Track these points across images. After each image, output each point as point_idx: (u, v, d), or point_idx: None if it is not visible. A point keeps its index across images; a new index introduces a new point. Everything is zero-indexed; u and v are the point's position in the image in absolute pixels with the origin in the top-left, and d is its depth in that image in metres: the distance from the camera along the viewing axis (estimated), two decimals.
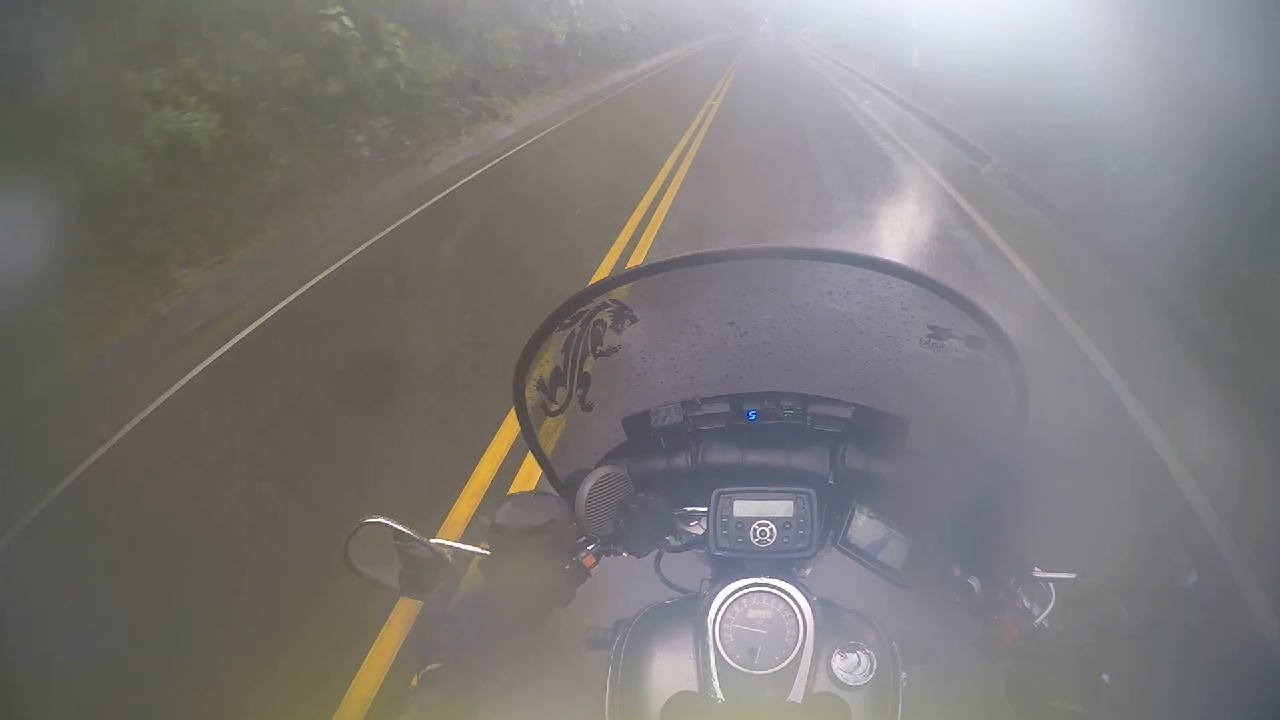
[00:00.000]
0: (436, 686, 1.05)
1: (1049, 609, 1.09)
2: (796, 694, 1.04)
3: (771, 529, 1.18)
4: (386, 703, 2.41)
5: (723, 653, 1.06)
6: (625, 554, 1.25)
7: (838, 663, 1.07)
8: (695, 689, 1.07)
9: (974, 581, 1.14)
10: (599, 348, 1.25)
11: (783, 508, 1.19)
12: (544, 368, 1.23)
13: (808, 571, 1.31)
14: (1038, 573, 1.13)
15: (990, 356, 1.12)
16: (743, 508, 1.19)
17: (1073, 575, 1.08)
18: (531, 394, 1.24)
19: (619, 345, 1.26)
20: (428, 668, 1.08)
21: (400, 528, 1.14)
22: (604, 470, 1.22)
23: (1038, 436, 1.25)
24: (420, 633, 1.16)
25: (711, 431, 1.29)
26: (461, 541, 1.22)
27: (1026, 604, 1.11)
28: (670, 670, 1.10)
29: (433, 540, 1.17)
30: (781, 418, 1.29)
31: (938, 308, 1.12)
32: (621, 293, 1.21)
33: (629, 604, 1.23)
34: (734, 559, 1.19)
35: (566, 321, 1.19)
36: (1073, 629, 1.05)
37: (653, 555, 1.32)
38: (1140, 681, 1.06)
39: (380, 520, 1.13)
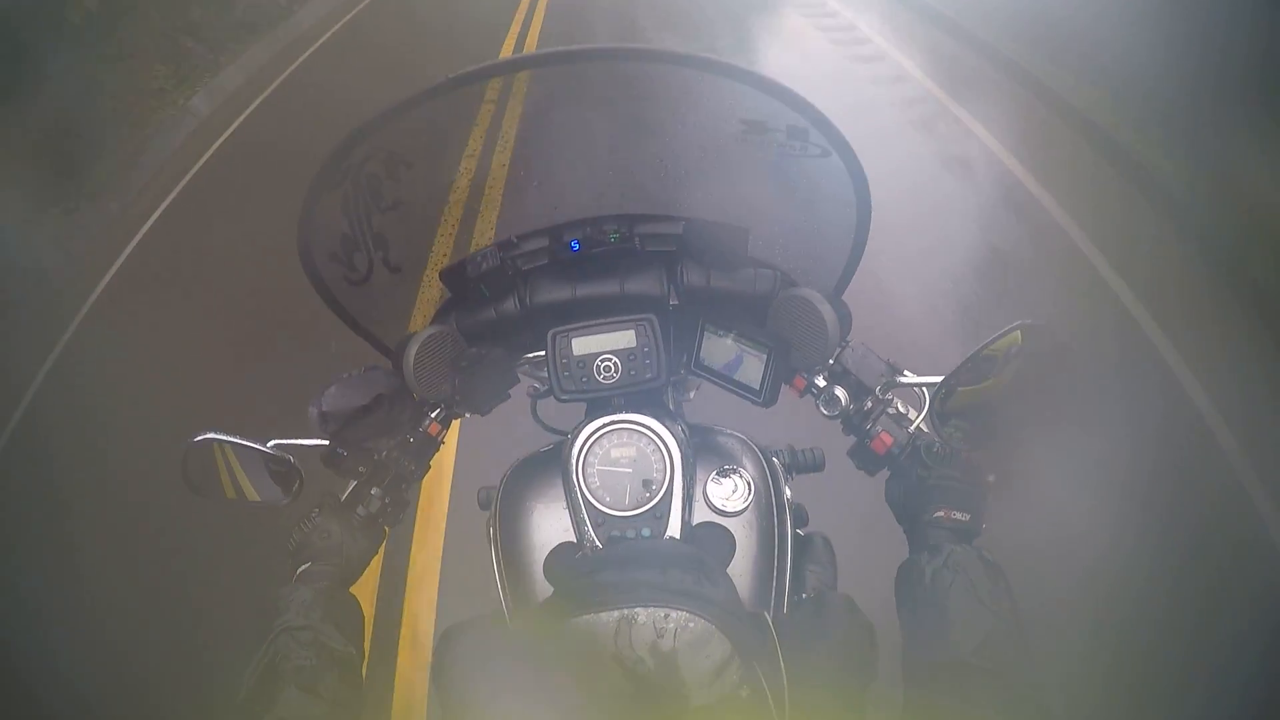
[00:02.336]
0: (312, 585, 1.00)
1: (922, 415, 1.06)
2: (674, 529, 1.02)
3: (616, 363, 1.12)
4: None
5: (590, 498, 1.03)
6: (470, 415, 1.18)
7: (713, 490, 1.05)
8: (575, 538, 1.04)
9: (839, 392, 1.10)
10: (381, 203, 1.11)
11: (624, 339, 1.12)
12: (331, 238, 1.09)
13: (691, 395, 1.27)
14: (907, 377, 1.09)
15: (817, 146, 1.02)
16: (582, 345, 1.12)
17: (939, 377, 1.03)
18: (329, 268, 1.11)
19: (402, 197, 1.12)
20: (300, 569, 1.04)
21: (233, 439, 1.06)
22: (429, 331, 1.13)
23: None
24: (287, 536, 1.08)
25: (536, 270, 1.19)
26: (300, 438, 1.13)
27: (902, 411, 1.08)
28: (548, 522, 1.08)
29: (271, 444, 1.09)
30: (609, 243, 1.18)
31: (750, 100, 0.99)
32: (401, 136, 1.04)
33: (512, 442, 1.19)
34: (593, 399, 1.13)
35: (335, 180, 1.03)
36: (948, 433, 1.02)
37: (530, 401, 1.27)
38: (1024, 484, 1.03)
39: (211, 436, 1.06)
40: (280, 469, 1.10)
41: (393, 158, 1.06)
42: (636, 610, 0.79)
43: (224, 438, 1.06)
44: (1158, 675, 1.99)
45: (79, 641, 2.27)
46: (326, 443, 1.10)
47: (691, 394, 1.29)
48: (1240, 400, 2.91)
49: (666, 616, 0.79)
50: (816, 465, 1.21)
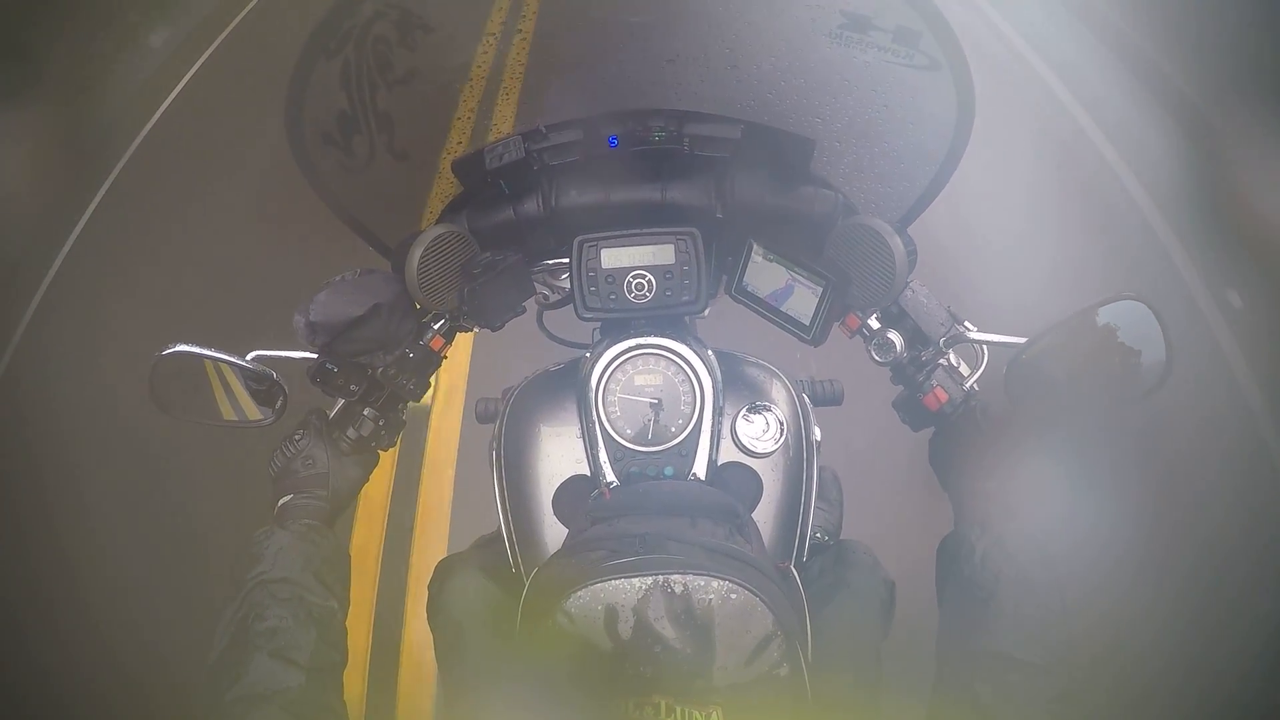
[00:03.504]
0: (294, 520, 0.92)
1: (979, 373, 0.98)
2: (700, 468, 0.94)
3: (650, 280, 1.00)
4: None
5: (610, 429, 0.95)
6: (477, 329, 1.06)
7: (743, 428, 0.97)
8: (588, 471, 0.97)
9: (894, 337, 1.00)
10: (389, 75, 0.93)
11: (662, 253, 1.00)
12: (325, 115, 0.92)
13: (707, 312, 1.15)
14: (972, 333, 0.98)
15: (925, 56, 0.86)
16: (612, 257, 1.00)
17: (1020, 339, 0.93)
18: (321, 150, 0.95)
19: (418, 67, 0.94)
20: (282, 501, 0.95)
21: (208, 352, 0.93)
22: (437, 230, 0.98)
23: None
24: (270, 463, 0.96)
25: (565, 167, 1.03)
26: (284, 349, 1.00)
27: (954, 362, 0.99)
28: (559, 451, 0.99)
29: (251, 356, 0.96)
30: (652, 142, 1.03)
31: None
32: None
33: (529, 367, 1.07)
34: (617, 319, 1.02)
35: (333, 45, 0.86)
36: (1008, 398, 0.93)
37: (537, 310, 1.15)
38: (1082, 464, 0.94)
39: (182, 348, 0.92)
40: (261, 385, 0.97)
41: (407, 18, 0.88)
42: (673, 576, 0.69)
43: (197, 350, 0.93)
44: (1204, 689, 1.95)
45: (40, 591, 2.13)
46: (315, 356, 0.97)
47: (706, 311, 1.17)
48: None
49: (706, 586, 0.69)
50: (835, 399, 1.14)
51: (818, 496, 1.02)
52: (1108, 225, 3.53)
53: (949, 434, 0.99)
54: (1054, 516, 0.92)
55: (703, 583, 0.69)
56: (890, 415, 1.04)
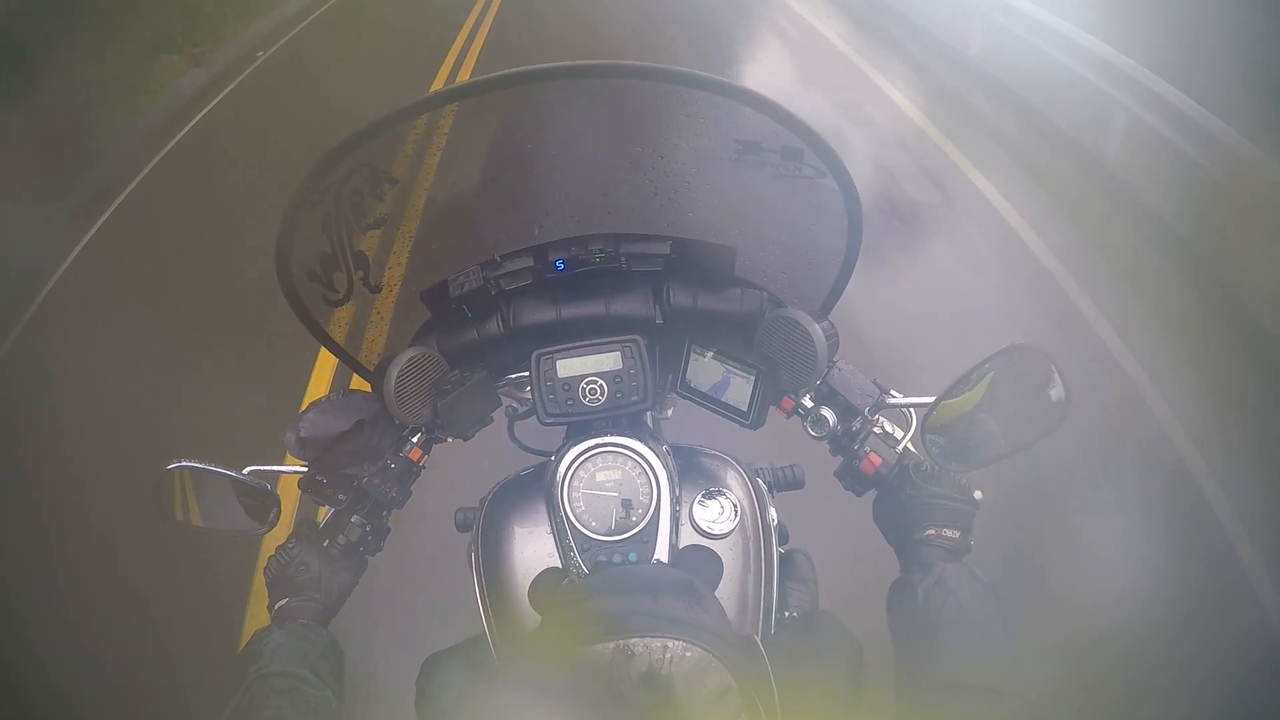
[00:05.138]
0: (290, 624, 0.99)
1: (909, 435, 1.06)
2: (661, 552, 1.00)
3: (602, 385, 1.10)
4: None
5: (576, 523, 1.01)
6: (451, 439, 1.16)
7: (699, 513, 1.04)
8: (560, 564, 1.02)
9: (827, 413, 1.11)
10: (363, 220, 1.08)
11: (610, 360, 1.11)
12: (310, 255, 1.06)
13: (669, 413, 1.26)
14: (895, 398, 1.09)
15: (810, 168, 1.01)
16: (566, 367, 1.11)
17: (930, 398, 1.03)
18: (307, 287, 1.07)
19: (388, 214, 1.09)
20: (279, 604, 1.02)
21: (209, 466, 1.03)
22: (410, 353, 1.10)
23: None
24: (265, 569, 1.04)
25: (519, 290, 1.16)
26: (276, 464, 1.10)
27: (888, 431, 1.08)
28: (532, 547, 1.05)
29: (246, 470, 1.05)
30: (593, 263, 1.16)
31: (746, 119, 0.99)
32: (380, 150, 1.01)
33: (499, 478, 1.15)
34: (577, 422, 1.12)
35: (315, 198, 1.00)
36: (936, 453, 1.02)
37: (508, 422, 1.25)
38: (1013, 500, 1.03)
39: (184, 464, 1.02)
40: (257, 497, 1.06)
41: (376, 173, 1.04)
42: (632, 641, 0.75)
43: (197, 465, 1.02)
44: (1149, 692, 2.01)
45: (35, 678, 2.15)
46: (305, 469, 1.07)
47: (669, 412, 1.28)
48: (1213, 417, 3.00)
49: (664, 647, 0.75)
50: (797, 483, 1.20)
51: (790, 577, 1.10)
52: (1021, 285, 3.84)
53: (887, 493, 1.07)
54: (987, 552, 1.02)
55: (660, 644, 0.75)
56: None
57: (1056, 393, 0.96)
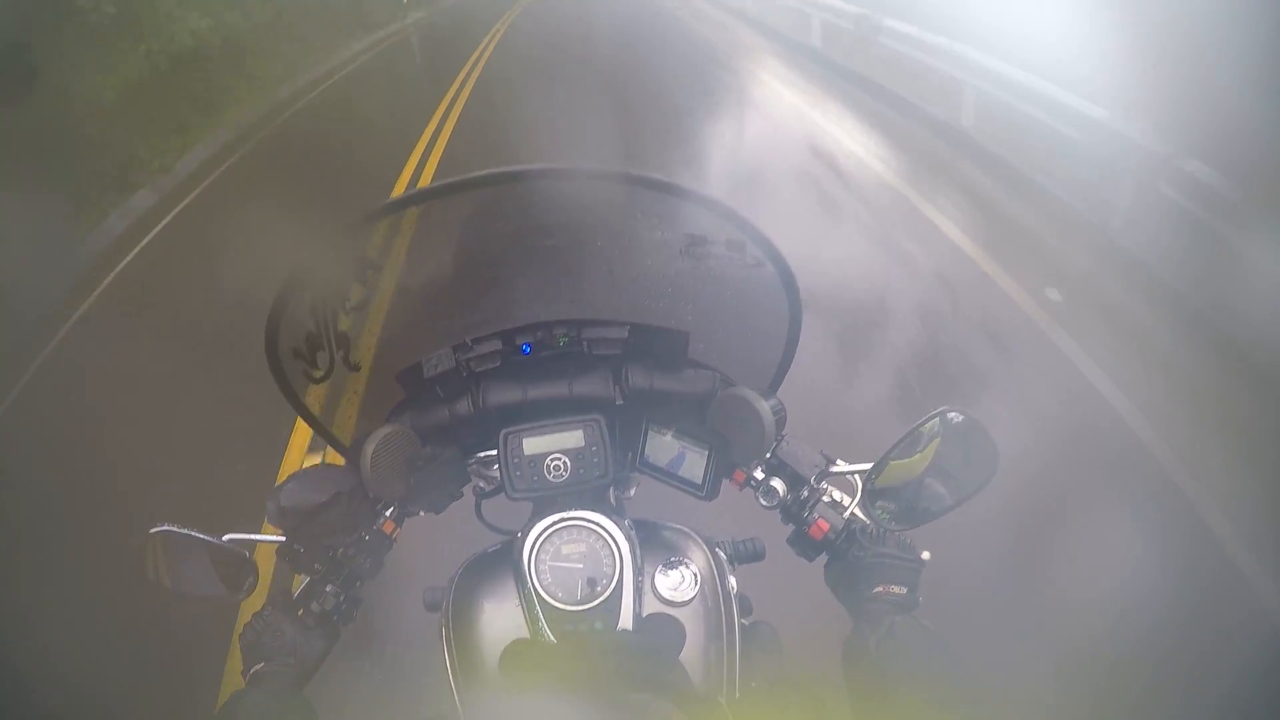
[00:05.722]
0: (265, 687, 1.01)
1: (856, 500, 1.12)
2: (626, 620, 1.04)
3: (565, 462, 1.15)
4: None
5: (543, 593, 1.05)
6: (423, 513, 1.21)
7: (661, 582, 1.08)
8: (529, 634, 1.06)
9: (776, 484, 1.16)
10: (346, 304, 1.17)
11: (573, 438, 1.16)
12: (296, 334, 1.14)
13: (631, 492, 1.31)
14: (839, 466, 1.15)
15: (752, 257, 1.12)
16: (532, 444, 1.16)
17: (868, 465, 1.11)
18: (291, 364, 1.16)
19: (368, 298, 1.18)
20: (254, 669, 1.04)
21: (190, 532, 1.07)
22: (385, 430, 1.15)
23: None
24: (241, 634, 1.08)
25: (488, 372, 1.24)
26: (255, 532, 1.15)
27: (835, 498, 1.14)
28: (501, 619, 1.09)
29: (227, 537, 1.10)
30: (558, 347, 1.25)
31: (693, 215, 1.10)
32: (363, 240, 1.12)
33: (464, 557, 1.20)
34: (542, 497, 1.17)
35: (303, 287, 1.10)
36: (879, 516, 1.09)
37: (474, 501, 1.29)
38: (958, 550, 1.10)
39: (169, 528, 1.06)
40: (235, 564, 1.10)
41: (361, 261, 1.13)
42: (599, 702, 0.80)
43: (180, 530, 1.07)
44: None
45: None
46: (283, 538, 1.12)
47: (632, 491, 1.33)
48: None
49: (631, 707, 0.80)
50: (757, 555, 1.25)
51: (755, 648, 1.13)
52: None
53: (837, 556, 1.12)
54: (933, 602, 1.07)
55: (626, 705, 0.80)
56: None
57: (986, 451, 1.04)
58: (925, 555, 1.09)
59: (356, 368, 1.23)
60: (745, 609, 1.20)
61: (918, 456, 1.07)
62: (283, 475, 3.18)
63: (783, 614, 1.25)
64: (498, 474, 1.20)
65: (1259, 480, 2.95)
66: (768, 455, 1.17)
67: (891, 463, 1.08)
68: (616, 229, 1.18)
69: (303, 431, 3.43)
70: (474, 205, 1.16)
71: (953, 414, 1.05)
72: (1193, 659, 2.21)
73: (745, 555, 1.25)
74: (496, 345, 1.24)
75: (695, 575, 1.09)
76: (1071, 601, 2.32)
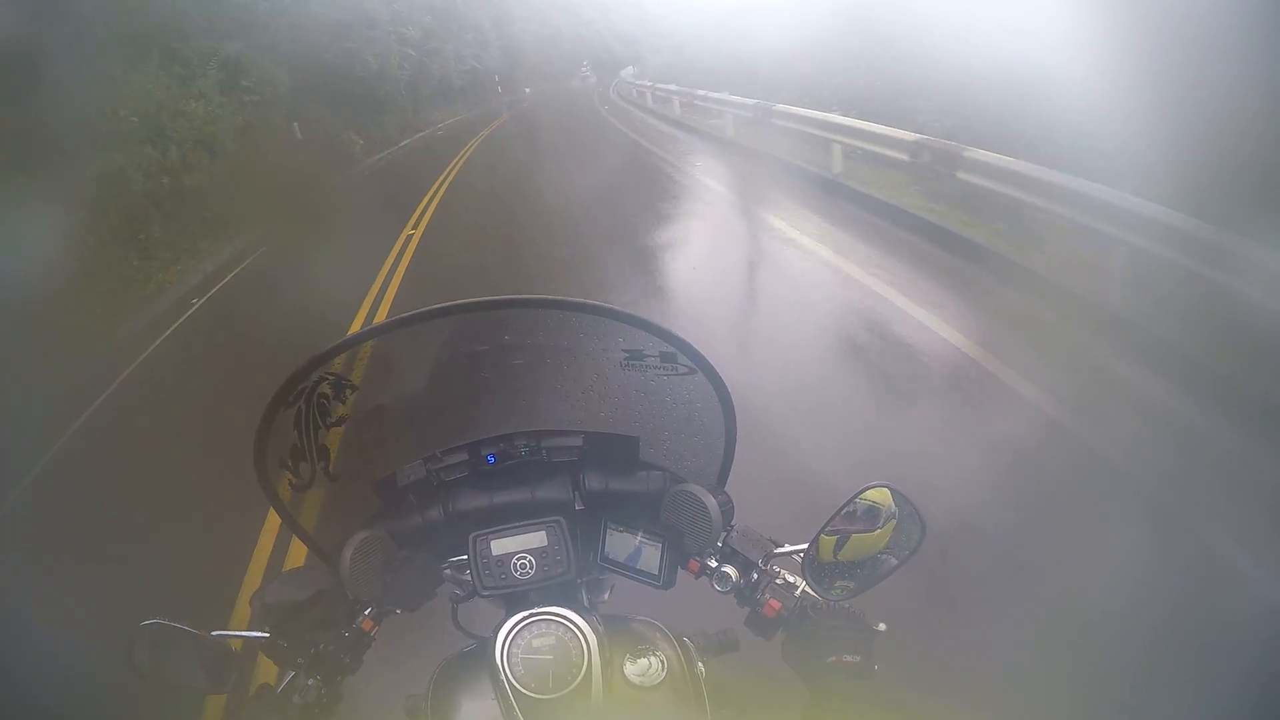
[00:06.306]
0: None
1: (805, 580, 1.21)
2: (597, 707, 1.10)
3: (530, 560, 1.25)
4: None
5: (517, 685, 1.11)
6: (400, 611, 1.28)
7: (629, 668, 1.15)
8: None
9: (729, 570, 1.24)
10: (328, 419, 1.30)
11: (537, 539, 1.26)
12: (283, 446, 1.26)
13: (606, 595, 1.40)
14: (784, 548, 1.25)
15: (685, 366, 1.26)
16: (500, 545, 1.26)
17: (804, 545, 1.20)
18: (277, 473, 1.27)
19: (347, 415, 1.32)
20: None
21: (179, 625, 1.13)
22: (362, 535, 1.24)
23: None
24: None
25: (457, 481, 1.35)
26: (240, 629, 1.22)
27: (788, 579, 1.23)
28: (478, 715, 1.15)
29: (214, 633, 1.16)
30: (520, 456, 1.36)
31: (627, 334, 1.25)
32: (341, 363, 1.27)
33: (442, 657, 1.27)
34: (514, 595, 1.25)
35: (290, 399, 1.23)
36: (836, 593, 1.17)
37: (450, 607, 1.37)
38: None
39: (158, 621, 1.12)
40: (220, 658, 1.16)
41: (340, 381, 1.27)
42: None
43: (169, 623, 1.12)
44: None
45: None
46: (266, 635, 1.19)
47: (606, 595, 1.41)
48: None
49: None
50: (731, 645, 1.31)
51: None
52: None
53: (792, 632, 1.18)
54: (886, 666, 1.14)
55: None
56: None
57: (912, 518, 1.15)
58: (881, 626, 1.15)
59: (336, 478, 1.34)
60: (726, 698, 1.25)
61: (878, 532, 1.16)
62: (251, 575, 3.32)
63: (764, 699, 1.30)
64: (468, 577, 1.28)
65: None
66: (719, 544, 1.26)
67: (854, 537, 1.17)
68: (564, 348, 1.32)
69: (269, 534, 3.54)
70: (432, 334, 1.30)
71: (880, 489, 1.15)
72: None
73: (719, 646, 1.31)
74: (463, 456, 1.36)
75: (662, 661, 1.16)
76: (1040, 651, 2.36)
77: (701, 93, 15.20)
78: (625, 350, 1.27)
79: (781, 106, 11.08)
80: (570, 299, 1.22)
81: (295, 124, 12.20)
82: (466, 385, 1.38)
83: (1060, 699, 2.17)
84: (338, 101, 15.92)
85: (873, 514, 1.16)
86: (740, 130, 12.96)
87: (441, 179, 13.44)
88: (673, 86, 18.11)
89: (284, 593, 1.20)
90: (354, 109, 17.13)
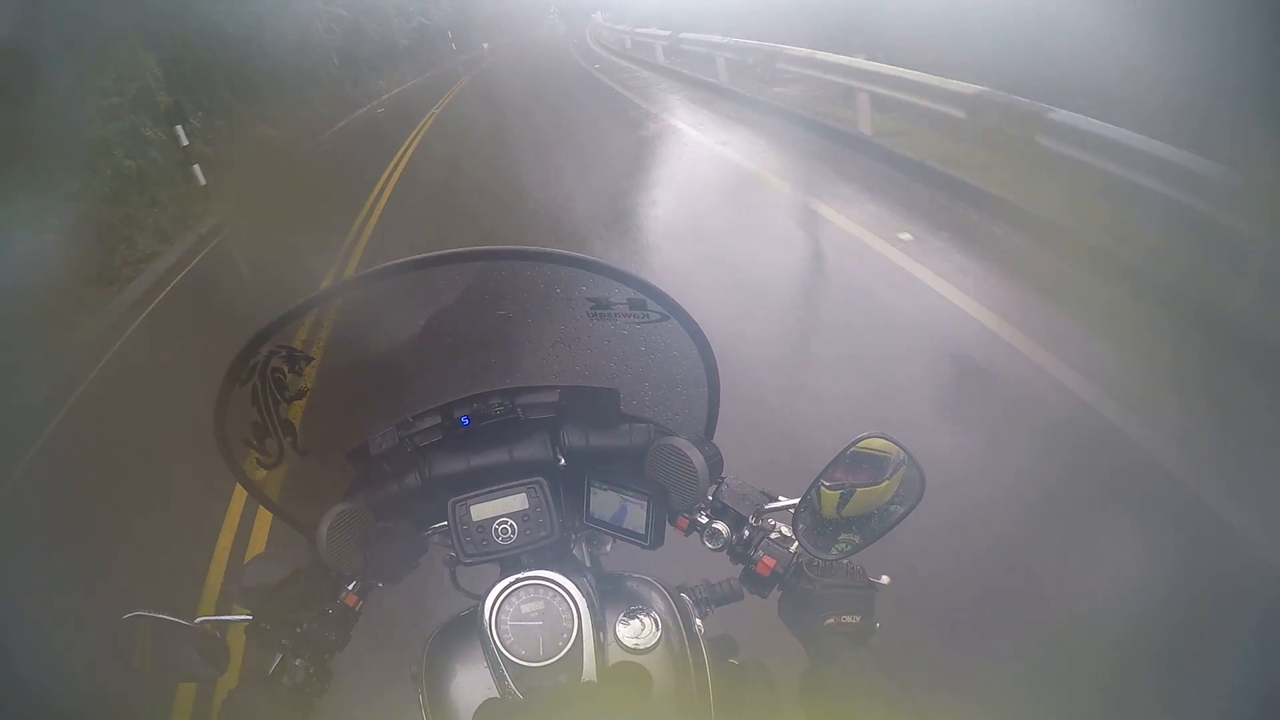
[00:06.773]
0: None
1: (799, 538, 1.15)
2: (589, 672, 1.07)
3: (512, 525, 1.21)
4: None
5: (506, 652, 1.08)
6: (382, 584, 1.25)
7: (622, 631, 1.12)
8: (498, 694, 1.09)
9: (720, 526, 1.20)
10: (286, 393, 1.25)
11: (517, 501, 1.22)
12: (245, 425, 1.22)
13: (608, 548, 1.37)
14: (778, 502, 1.20)
15: (655, 313, 1.20)
16: (479, 511, 1.22)
17: (795, 499, 1.15)
18: (242, 451, 1.23)
19: (305, 388, 1.27)
20: None
21: (160, 616, 1.11)
22: (340, 508, 1.20)
23: None
24: (220, 712, 1.12)
25: (431, 446, 1.31)
26: (223, 614, 1.20)
27: (784, 533, 1.18)
28: (471, 681, 1.13)
29: (197, 620, 1.14)
30: (495, 415, 1.32)
31: (592, 282, 1.19)
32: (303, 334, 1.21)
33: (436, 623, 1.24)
34: (507, 558, 1.22)
35: (244, 376, 1.18)
36: (841, 548, 1.12)
37: (447, 571, 1.34)
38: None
39: (140, 613, 1.10)
40: (207, 645, 1.15)
41: (293, 354, 1.22)
42: None
43: (152, 615, 1.11)
44: None
45: None
46: (250, 617, 1.16)
47: (608, 547, 1.37)
48: None
49: None
50: (735, 595, 1.26)
51: (744, 687, 1.15)
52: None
53: (788, 590, 1.14)
54: (885, 631, 1.10)
55: None
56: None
57: (911, 471, 1.08)
58: (884, 580, 1.11)
59: (306, 452, 1.30)
60: (731, 649, 1.24)
61: (884, 484, 1.11)
62: (218, 557, 3.31)
63: (771, 649, 1.25)
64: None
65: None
66: (709, 498, 1.22)
67: (859, 491, 1.12)
68: (530, 301, 1.27)
69: (234, 514, 3.53)
70: (389, 292, 1.25)
71: (876, 439, 1.10)
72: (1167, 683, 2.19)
73: (722, 597, 1.27)
74: (436, 420, 1.32)
75: (656, 621, 1.12)
76: (1045, 619, 2.38)
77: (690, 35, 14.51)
78: (589, 299, 1.22)
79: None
80: (524, 248, 1.16)
81: (179, 128, 8.98)
82: (435, 347, 1.33)
83: (1072, 681, 2.18)
84: (245, 87, 12.17)
85: (878, 464, 1.11)
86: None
87: (374, 198, 9.18)
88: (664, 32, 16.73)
89: (262, 574, 1.17)
90: (271, 93, 12.78)
